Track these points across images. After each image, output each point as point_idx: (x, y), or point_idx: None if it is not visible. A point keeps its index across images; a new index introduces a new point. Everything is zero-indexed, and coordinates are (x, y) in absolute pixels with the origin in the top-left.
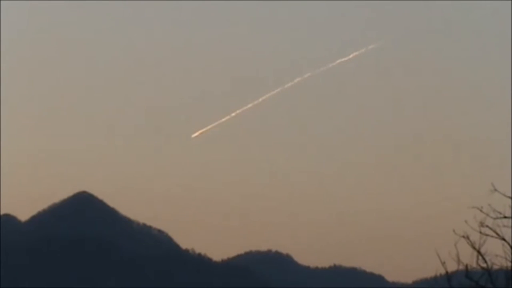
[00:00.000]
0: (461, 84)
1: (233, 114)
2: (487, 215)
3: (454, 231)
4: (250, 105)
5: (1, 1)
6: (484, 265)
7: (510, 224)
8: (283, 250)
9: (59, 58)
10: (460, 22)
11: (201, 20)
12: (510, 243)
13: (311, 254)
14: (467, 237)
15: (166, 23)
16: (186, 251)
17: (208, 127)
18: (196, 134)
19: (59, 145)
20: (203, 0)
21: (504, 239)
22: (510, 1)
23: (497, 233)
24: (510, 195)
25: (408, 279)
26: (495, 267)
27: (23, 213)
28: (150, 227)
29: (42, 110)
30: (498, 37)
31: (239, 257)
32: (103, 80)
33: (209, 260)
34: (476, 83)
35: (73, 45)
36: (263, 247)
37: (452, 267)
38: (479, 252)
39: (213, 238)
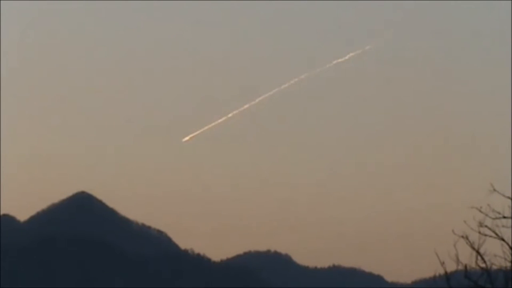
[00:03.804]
0: (460, 84)
1: (230, 115)
2: (486, 215)
3: (453, 231)
4: (246, 106)
5: (1, 1)
6: (483, 265)
7: (509, 224)
8: (282, 250)
9: (59, 59)
10: (460, 22)
11: (196, 21)
12: (509, 243)
13: (310, 254)
14: (466, 237)
15: (161, 25)
16: (185, 251)
17: (206, 127)
18: (187, 138)
19: (59, 145)
20: (197, 0)
21: (503, 239)
22: (510, 1)
23: (496, 233)
24: (509, 195)
25: (408, 279)
26: (494, 267)
27: (23, 213)
28: (149, 227)
29: (42, 111)
30: (498, 37)
31: (238, 257)
32: (102, 82)
33: (208, 260)
34: (476, 83)
35: (72, 46)
36: (262, 247)
37: (451, 267)
38: (478, 252)
39: (212, 238)
